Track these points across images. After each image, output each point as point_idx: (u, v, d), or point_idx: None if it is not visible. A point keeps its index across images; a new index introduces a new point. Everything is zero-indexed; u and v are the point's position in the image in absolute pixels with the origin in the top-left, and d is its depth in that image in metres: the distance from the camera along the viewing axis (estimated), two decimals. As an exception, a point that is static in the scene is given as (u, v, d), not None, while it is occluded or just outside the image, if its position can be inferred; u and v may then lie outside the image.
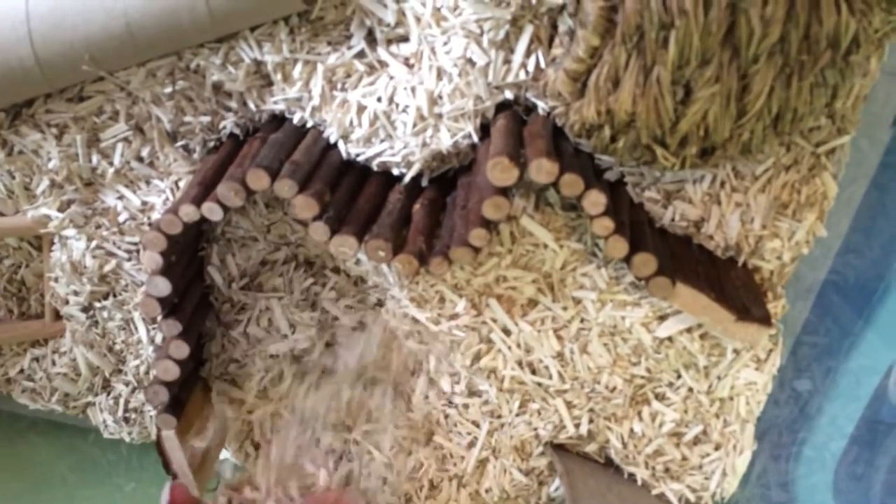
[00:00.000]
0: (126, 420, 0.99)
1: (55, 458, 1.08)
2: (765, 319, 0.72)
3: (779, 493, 0.91)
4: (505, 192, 0.68)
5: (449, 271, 0.76)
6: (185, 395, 0.86)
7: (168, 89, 0.81)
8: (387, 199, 0.78)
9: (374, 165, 0.80)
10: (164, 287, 0.76)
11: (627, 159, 0.68)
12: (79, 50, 0.76)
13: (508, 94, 0.76)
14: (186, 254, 0.83)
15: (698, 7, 0.57)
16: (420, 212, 0.76)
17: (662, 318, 0.79)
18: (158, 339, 0.91)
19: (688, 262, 0.73)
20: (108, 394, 0.98)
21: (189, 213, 0.73)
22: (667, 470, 0.87)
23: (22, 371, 0.98)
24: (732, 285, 0.74)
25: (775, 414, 0.86)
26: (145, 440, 1.01)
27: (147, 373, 0.95)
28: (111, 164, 0.86)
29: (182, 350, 0.80)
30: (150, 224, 0.86)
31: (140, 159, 0.86)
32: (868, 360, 0.87)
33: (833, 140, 0.75)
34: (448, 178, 0.81)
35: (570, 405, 0.84)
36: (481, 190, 0.70)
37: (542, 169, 0.65)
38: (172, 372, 0.81)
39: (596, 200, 0.66)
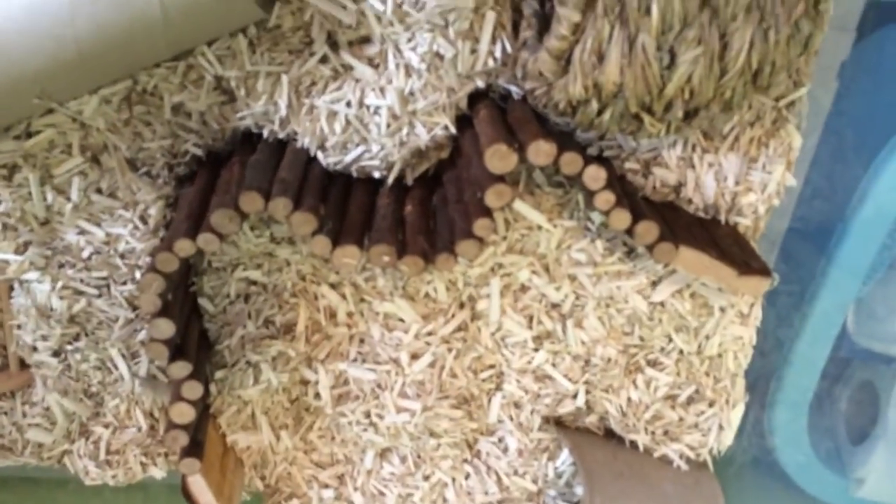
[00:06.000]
0: (108, 463, 0.91)
1: (35, 510, 0.99)
2: (764, 270, 0.72)
3: (770, 439, 0.92)
4: (503, 179, 0.66)
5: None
6: (202, 435, 0.81)
7: (125, 115, 0.75)
8: (376, 205, 0.74)
9: (354, 171, 0.76)
10: (167, 328, 0.71)
11: (614, 130, 0.66)
12: (27, 83, 0.68)
13: (480, 83, 0.74)
14: (180, 290, 0.77)
15: (678, -28, 0.56)
16: (412, 213, 0.73)
17: (655, 283, 0.78)
18: (142, 371, 0.84)
19: (681, 225, 0.72)
20: (87, 439, 0.90)
21: (185, 247, 0.68)
22: (666, 432, 0.86)
23: (-12, 428, 0.90)
24: (725, 242, 0.73)
25: (762, 364, 0.86)
26: (130, 481, 0.93)
27: (128, 411, 0.88)
28: (68, 199, 0.78)
29: (195, 390, 0.75)
30: (120, 256, 0.79)
31: (99, 191, 0.79)
32: (834, 298, 0.89)
33: (791, 93, 0.75)
34: (429, 176, 0.78)
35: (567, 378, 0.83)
36: (478, 181, 0.67)
37: (541, 151, 0.63)
38: (188, 414, 0.75)
39: (596, 175, 0.64)
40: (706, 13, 0.58)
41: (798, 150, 0.76)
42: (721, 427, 0.85)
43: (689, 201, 0.77)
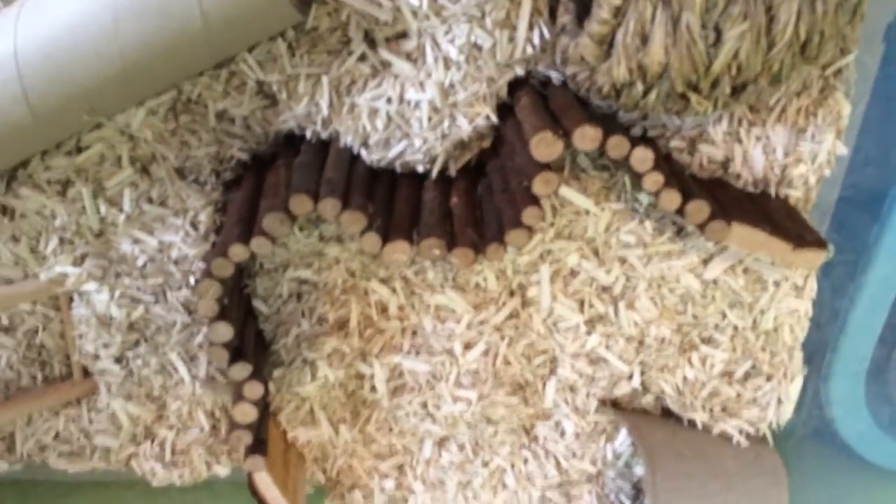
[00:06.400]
0: (174, 464, 0.93)
1: (104, 514, 1.02)
2: (819, 242, 0.70)
3: (829, 409, 0.91)
4: (549, 166, 0.65)
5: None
6: (264, 433, 0.82)
7: (171, 125, 0.76)
8: (422, 199, 0.74)
9: (398, 167, 0.76)
10: (225, 332, 0.72)
11: (659, 111, 0.66)
12: (76, 100, 0.69)
13: (519, 71, 0.73)
14: (235, 293, 0.79)
15: (720, -53, 0.55)
16: (459, 204, 0.73)
17: (706, 261, 0.77)
18: (201, 373, 0.86)
19: (731, 201, 0.71)
20: (152, 441, 0.92)
21: (238, 252, 0.69)
22: (723, 409, 0.85)
23: (57, 435, 0.92)
24: (778, 216, 0.72)
25: (819, 336, 0.85)
26: (196, 481, 0.95)
27: (190, 413, 0.90)
28: (121, 210, 0.79)
29: (256, 390, 0.76)
30: (174, 263, 0.81)
31: (150, 200, 0.80)
32: (889, 264, 0.87)
33: (838, 60, 0.73)
34: (472, 166, 0.78)
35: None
36: (524, 169, 0.67)
37: (587, 136, 0.62)
38: (251, 414, 0.77)
39: (643, 157, 0.64)
40: (750, -13, 0.57)
41: (847, 118, 0.75)
42: (780, 401, 0.84)
43: (738, 176, 0.76)
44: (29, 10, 0.67)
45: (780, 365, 0.83)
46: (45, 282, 0.82)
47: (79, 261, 0.82)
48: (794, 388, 0.84)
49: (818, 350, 0.86)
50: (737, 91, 0.64)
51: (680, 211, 0.68)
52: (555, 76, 0.73)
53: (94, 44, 0.67)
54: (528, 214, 0.67)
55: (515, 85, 0.75)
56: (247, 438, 0.79)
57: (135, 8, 0.65)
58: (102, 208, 0.79)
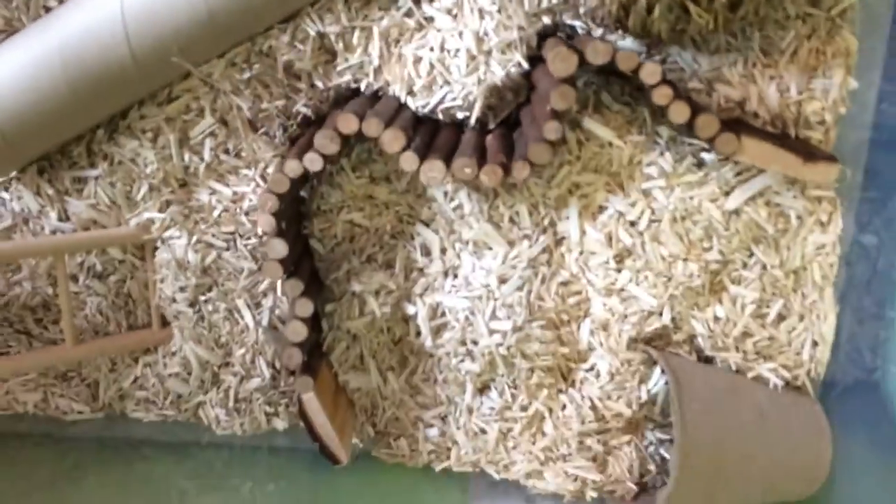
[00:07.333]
0: (237, 411, 1.00)
1: (172, 467, 1.08)
2: (830, 157, 0.74)
3: (872, 358, 0.90)
4: (567, 81, 0.73)
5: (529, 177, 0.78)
6: (316, 365, 0.89)
7: (246, 74, 0.87)
8: (461, 139, 0.83)
9: (440, 114, 0.85)
10: (281, 248, 0.80)
11: (666, 31, 0.72)
12: (168, 44, 0.82)
13: (546, 20, 0.82)
14: (293, 227, 0.87)
15: None
16: (492, 140, 0.81)
17: (728, 193, 0.82)
18: (264, 321, 0.94)
19: (747, 125, 0.76)
20: (218, 388, 1.00)
21: (293, 167, 0.78)
22: (758, 352, 0.87)
23: (136, 380, 1.01)
24: (792, 140, 0.77)
25: (850, 275, 0.86)
26: (256, 431, 1.01)
27: (253, 361, 0.98)
28: (202, 159, 0.91)
29: (307, 307, 0.83)
30: (245, 214, 0.90)
31: (227, 151, 0.91)
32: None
33: (842, 2, 0.79)
34: (510, 122, 0.86)
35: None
36: (546, 92, 0.74)
37: (598, 50, 0.70)
38: (301, 332, 0.84)
39: (653, 70, 0.71)
40: None
41: (856, 54, 0.79)
42: (815, 342, 0.85)
43: (756, 115, 0.81)
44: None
45: (811, 305, 0.84)
46: (134, 228, 0.93)
47: (164, 207, 0.93)
48: (828, 329, 0.85)
49: (850, 289, 0.87)
50: (735, 6, 0.70)
51: (691, 125, 0.73)
52: (580, 26, 0.81)
53: (184, -8, 0.80)
54: (548, 128, 0.74)
55: (545, 37, 0.83)
56: (297, 357, 0.85)
57: (217, -38, 0.79)
58: (186, 156, 0.91)
